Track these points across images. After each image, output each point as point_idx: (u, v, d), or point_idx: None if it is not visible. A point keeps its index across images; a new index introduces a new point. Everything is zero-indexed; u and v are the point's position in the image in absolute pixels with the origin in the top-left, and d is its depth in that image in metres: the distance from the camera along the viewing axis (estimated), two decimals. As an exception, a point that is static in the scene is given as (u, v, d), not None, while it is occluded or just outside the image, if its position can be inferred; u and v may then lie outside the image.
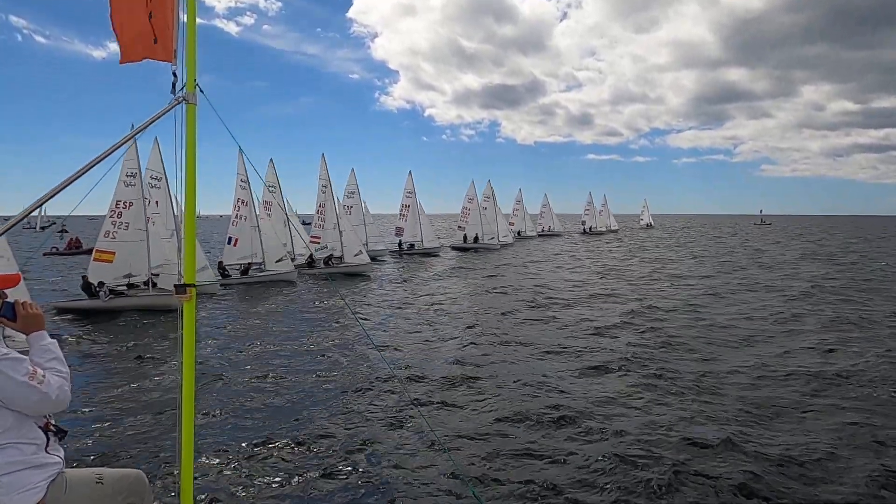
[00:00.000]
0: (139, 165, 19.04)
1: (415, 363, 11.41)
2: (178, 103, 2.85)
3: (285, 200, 31.34)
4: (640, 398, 9.00)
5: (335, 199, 29.69)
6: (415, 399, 9.17)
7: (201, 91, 2.91)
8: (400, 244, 39.51)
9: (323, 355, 12.09)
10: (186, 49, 2.86)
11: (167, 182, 21.39)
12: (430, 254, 39.49)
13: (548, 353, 12.00)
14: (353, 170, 35.81)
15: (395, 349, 12.74)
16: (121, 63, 3.00)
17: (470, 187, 46.37)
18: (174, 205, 21.37)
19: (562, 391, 9.43)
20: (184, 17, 2.89)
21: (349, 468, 6.73)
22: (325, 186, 29.56)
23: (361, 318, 16.42)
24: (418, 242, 39.84)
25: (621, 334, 13.70)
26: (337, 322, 16.15)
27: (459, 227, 46.49)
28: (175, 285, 2.92)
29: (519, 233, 58.83)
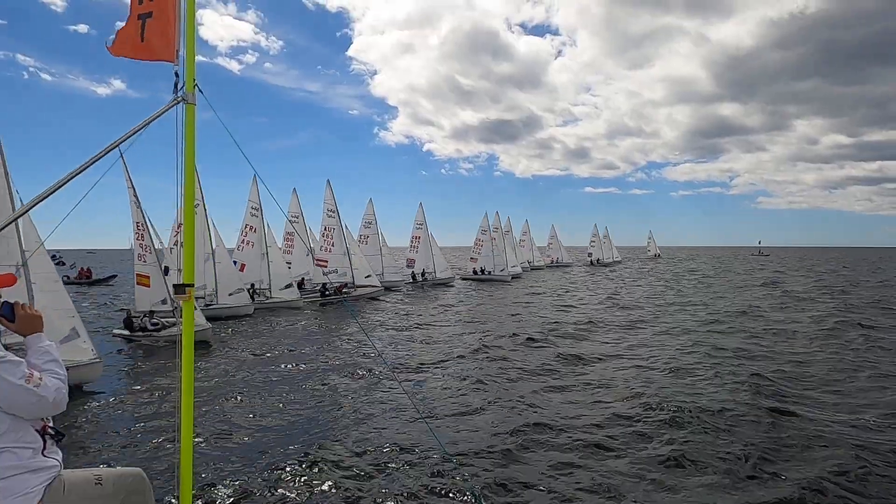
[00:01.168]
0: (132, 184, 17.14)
1: (421, 377, 11.49)
2: (178, 103, 2.85)
3: (307, 229, 31.61)
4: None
5: (342, 224, 29.88)
6: (419, 406, 9.17)
7: (200, 91, 2.91)
8: (413, 274, 39.34)
9: (325, 366, 12.31)
10: (185, 50, 2.87)
11: (205, 207, 22.03)
12: (442, 283, 39.42)
13: (550, 375, 11.77)
14: (370, 200, 36.38)
15: (399, 360, 12.87)
16: (111, 51, 2.95)
17: (483, 219, 46.14)
18: (210, 230, 22.04)
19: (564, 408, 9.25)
20: (183, 19, 2.90)
21: (349, 468, 6.66)
22: (332, 211, 29.74)
23: (365, 334, 16.52)
24: (431, 274, 39.75)
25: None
26: (339, 338, 16.44)
27: (472, 258, 46.29)
28: (174, 285, 2.87)
29: (529, 262, 58.51)
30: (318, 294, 27.56)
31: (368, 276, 29.33)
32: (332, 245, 29.43)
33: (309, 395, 10.10)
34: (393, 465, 6.76)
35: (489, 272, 44.62)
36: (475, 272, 45.00)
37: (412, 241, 40.49)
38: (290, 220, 29.31)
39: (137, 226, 17.27)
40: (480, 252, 45.79)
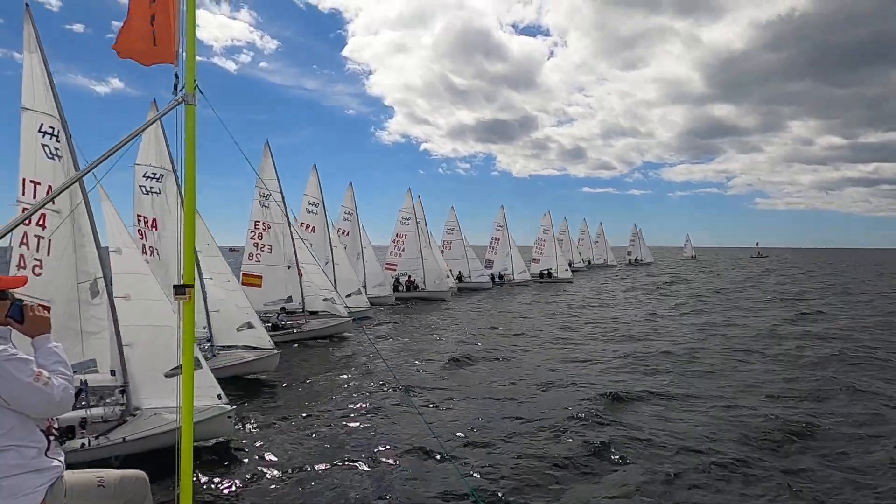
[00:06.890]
0: (280, 186, 17.51)
1: (415, 369, 11.47)
2: (178, 104, 2.72)
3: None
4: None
5: (419, 231, 29.60)
6: (416, 402, 9.02)
7: (201, 92, 2.77)
8: (492, 276, 38.67)
9: (335, 377, 11.52)
10: (186, 51, 2.74)
11: (325, 209, 22.10)
12: (521, 285, 38.54)
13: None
14: (452, 207, 36.37)
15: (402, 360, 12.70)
16: (118, 54, 2.89)
17: (544, 218, 44.66)
18: (330, 232, 21.92)
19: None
20: (183, 21, 2.78)
21: (347, 466, 6.51)
22: (408, 219, 29.57)
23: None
24: (509, 276, 39.18)
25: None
26: (361, 347, 15.05)
27: (535, 259, 44.73)
28: (174, 286, 2.74)
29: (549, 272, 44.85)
30: (393, 289, 27.61)
31: (438, 282, 29.09)
32: (403, 251, 29.59)
33: (310, 399, 9.65)
34: (393, 467, 6.56)
35: (553, 274, 43.15)
36: (541, 275, 43.30)
37: (491, 242, 40.21)
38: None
39: (256, 224, 17.05)
40: (542, 252, 44.57)
